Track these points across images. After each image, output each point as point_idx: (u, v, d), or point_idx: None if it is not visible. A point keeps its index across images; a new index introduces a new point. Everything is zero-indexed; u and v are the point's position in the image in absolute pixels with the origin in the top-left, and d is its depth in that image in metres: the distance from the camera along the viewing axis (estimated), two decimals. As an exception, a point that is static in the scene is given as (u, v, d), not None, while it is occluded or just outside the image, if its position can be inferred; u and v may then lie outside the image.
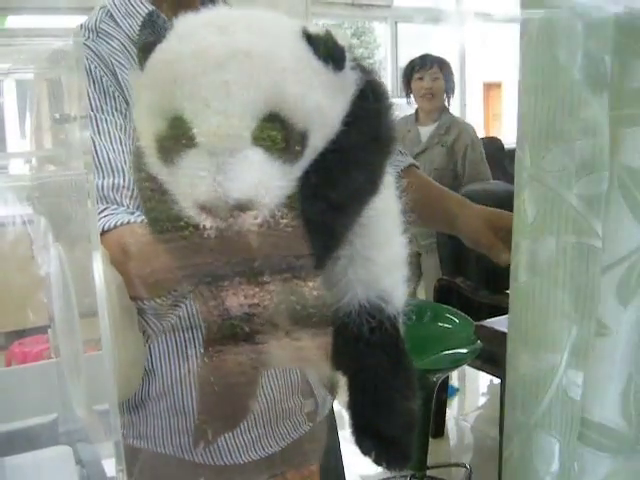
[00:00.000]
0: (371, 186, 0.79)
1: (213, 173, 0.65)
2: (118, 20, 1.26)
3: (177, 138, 0.67)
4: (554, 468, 1.04)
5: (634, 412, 0.99)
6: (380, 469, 0.93)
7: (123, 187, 1.12)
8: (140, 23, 1.24)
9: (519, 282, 1.05)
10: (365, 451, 0.88)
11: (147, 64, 0.71)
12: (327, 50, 0.72)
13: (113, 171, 1.12)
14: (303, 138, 0.70)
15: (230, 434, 1.28)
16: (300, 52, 0.70)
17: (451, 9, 7.07)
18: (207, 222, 0.67)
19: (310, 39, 0.72)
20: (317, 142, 0.71)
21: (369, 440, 0.89)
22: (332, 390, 1.08)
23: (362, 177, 0.77)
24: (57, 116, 0.68)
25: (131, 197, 1.13)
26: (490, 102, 9.37)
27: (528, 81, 1.00)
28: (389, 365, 0.89)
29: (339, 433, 1.63)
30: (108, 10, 1.28)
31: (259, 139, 0.67)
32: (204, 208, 0.66)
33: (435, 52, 4.28)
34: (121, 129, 1.18)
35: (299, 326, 0.86)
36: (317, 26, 0.73)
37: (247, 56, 0.66)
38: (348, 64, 0.74)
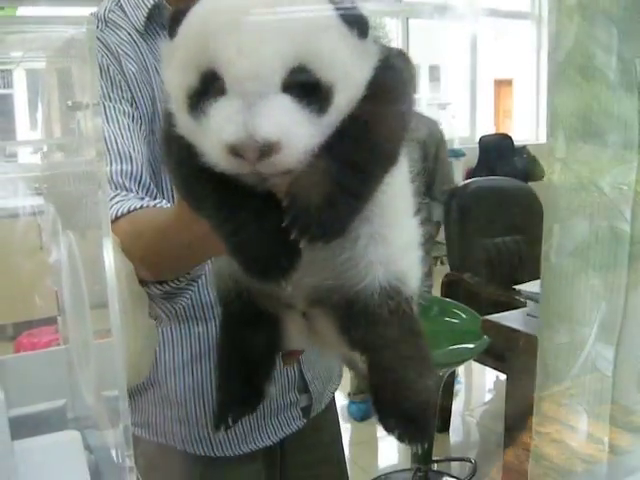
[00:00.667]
0: (391, 154, 0.80)
1: (242, 113, 0.66)
2: (127, 11, 1.27)
3: (208, 88, 0.69)
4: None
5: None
6: (383, 462, 0.94)
7: (132, 173, 1.13)
8: (146, 14, 1.25)
9: (552, 262, 1.09)
10: (389, 429, 0.90)
11: (180, 29, 0.73)
12: (353, 18, 0.74)
13: (122, 157, 1.13)
14: (329, 93, 0.71)
15: None
16: (328, 14, 0.72)
17: (462, 5, 7.05)
18: (237, 166, 0.68)
19: (337, 7, 0.74)
20: (342, 101, 0.72)
21: (391, 418, 0.91)
22: (356, 369, 1.09)
23: (384, 143, 0.78)
24: (69, 103, 0.69)
25: (139, 183, 1.14)
26: (501, 99, 9.35)
27: (564, 82, 1.05)
28: (407, 345, 0.91)
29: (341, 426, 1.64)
30: (118, 0, 1.29)
31: (288, 87, 0.68)
32: (233, 149, 0.67)
33: (445, 48, 4.28)
34: (129, 116, 1.19)
35: (322, 305, 0.87)
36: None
37: (281, 10, 0.69)
38: (371, 36, 0.76)
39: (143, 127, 1.21)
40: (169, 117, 0.78)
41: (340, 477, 1.59)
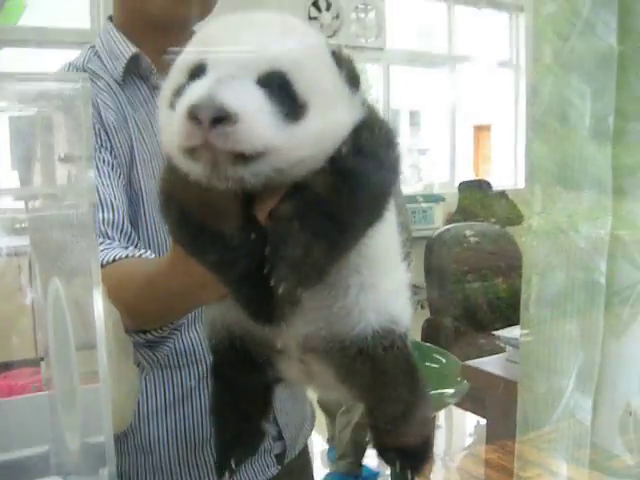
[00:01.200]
0: (375, 209, 0.82)
1: (211, 83, 0.68)
2: (105, 61, 1.29)
3: (192, 78, 0.71)
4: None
5: (634, 440, 1.07)
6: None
7: (114, 221, 1.14)
8: (124, 64, 1.28)
9: (530, 312, 1.12)
10: (389, 462, 0.94)
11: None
12: (345, 64, 0.78)
13: (103, 206, 1.14)
14: (302, 107, 0.72)
15: (197, 476, 1.30)
16: (323, 49, 0.77)
17: (443, 53, 7.18)
18: (192, 134, 0.68)
19: (333, 52, 0.78)
20: (314, 122, 0.73)
21: (392, 452, 0.92)
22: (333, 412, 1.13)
23: (368, 199, 0.79)
24: (61, 155, 0.70)
25: (121, 231, 1.15)
26: (480, 144, 9.45)
27: (540, 139, 1.09)
28: (403, 380, 0.93)
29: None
30: (96, 51, 1.31)
31: (263, 83, 0.70)
32: (191, 113, 0.67)
33: (426, 94, 4.34)
34: (108, 164, 1.20)
35: (316, 352, 0.89)
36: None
37: (279, 26, 0.74)
38: (360, 96, 0.79)
39: (122, 176, 1.22)
40: (166, 166, 0.81)
41: None
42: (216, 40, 0.73)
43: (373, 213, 0.82)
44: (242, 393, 1.01)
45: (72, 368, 0.78)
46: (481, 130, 9.39)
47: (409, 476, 0.93)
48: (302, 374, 0.98)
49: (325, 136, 0.75)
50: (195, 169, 0.72)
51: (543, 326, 1.07)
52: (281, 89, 0.71)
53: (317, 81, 0.74)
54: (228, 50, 0.71)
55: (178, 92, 0.73)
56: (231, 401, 1.02)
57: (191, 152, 0.71)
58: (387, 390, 0.93)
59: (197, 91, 0.69)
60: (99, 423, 0.73)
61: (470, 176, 7.84)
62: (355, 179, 0.77)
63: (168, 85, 0.78)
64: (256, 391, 1.03)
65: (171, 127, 0.72)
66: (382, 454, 0.96)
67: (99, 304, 0.67)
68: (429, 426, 0.97)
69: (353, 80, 0.78)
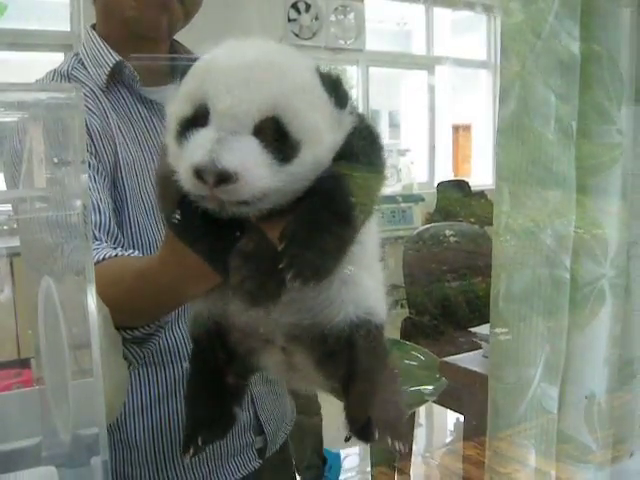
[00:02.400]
0: (369, 208, 0.91)
1: (212, 143, 0.75)
2: (88, 68, 1.32)
3: (198, 119, 0.79)
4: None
5: (599, 429, 1.12)
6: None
7: (100, 223, 1.18)
8: (108, 72, 1.31)
9: (499, 307, 1.17)
10: (369, 437, 0.99)
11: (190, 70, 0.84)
12: (334, 88, 0.84)
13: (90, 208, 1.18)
14: (295, 147, 0.80)
15: (181, 470, 1.33)
16: (312, 80, 0.83)
17: (422, 54, 7.23)
18: (199, 188, 0.77)
19: (322, 75, 0.84)
20: (307, 157, 0.81)
21: (369, 425, 0.99)
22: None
23: (364, 199, 0.88)
24: (55, 160, 0.74)
25: (108, 233, 1.19)
26: (459, 144, 9.49)
27: (508, 141, 1.15)
28: (378, 365, 1.00)
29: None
30: (80, 58, 1.34)
31: (259, 131, 0.77)
32: (197, 171, 0.75)
33: (405, 94, 4.37)
34: (93, 169, 1.23)
35: (299, 340, 0.95)
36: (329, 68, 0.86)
37: (270, 65, 0.79)
38: (348, 107, 0.86)
39: (106, 179, 1.26)
40: (163, 153, 0.87)
41: None
42: (216, 82, 0.78)
43: (367, 211, 0.91)
44: (217, 376, 1.05)
45: (64, 364, 0.81)
46: (460, 130, 9.44)
47: (389, 441, 0.97)
48: (283, 364, 1.03)
49: (318, 162, 0.83)
50: (204, 203, 0.81)
51: (511, 320, 1.12)
52: (275, 133, 0.79)
53: (308, 117, 0.81)
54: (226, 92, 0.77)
55: (184, 127, 0.81)
56: (206, 384, 1.06)
57: (200, 195, 0.80)
58: (362, 375, 0.98)
59: (200, 150, 0.76)
60: (90, 416, 0.76)
61: (449, 176, 7.90)
62: (350, 181, 0.85)
63: (173, 114, 0.84)
64: (233, 378, 1.07)
65: (179, 162, 0.81)
66: (361, 434, 1.01)
67: (93, 301, 0.70)
68: (403, 408, 1.04)
69: (342, 100, 0.85)
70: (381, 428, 0.98)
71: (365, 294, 0.96)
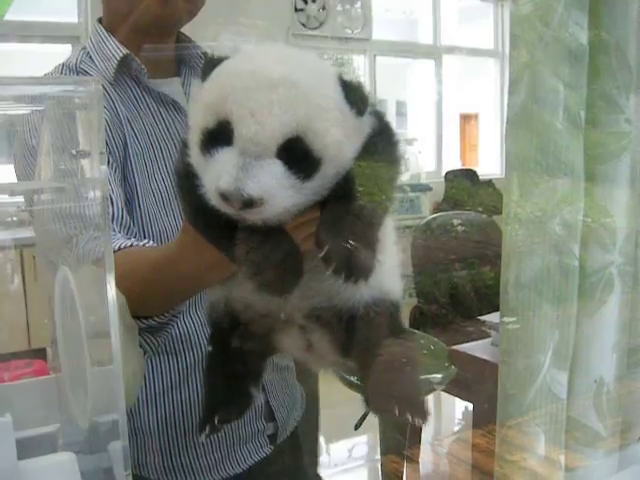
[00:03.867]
0: (390, 201, 0.95)
1: (237, 169, 0.78)
2: (96, 61, 1.34)
3: (221, 133, 0.80)
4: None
5: (608, 415, 1.13)
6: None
7: (113, 215, 1.19)
8: (115, 65, 1.32)
9: (509, 295, 1.19)
10: (389, 411, 0.99)
11: (211, 75, 0.85)
12: (355, 98, 0.85)
13: None
14: (317, 164, 0.82)
15: (194, 456, 1.35)
16: (334, 95, 0.84)
17: (429, 43, 7.21)
18: (225, 208, 0.81)
19: (344, 85, 0.85)
20: (328, 171, 0.84)
21: (389, 400, 0.99)
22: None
23: (386, 193, 0.92)
24: (74, 152, 0.76)
25: (121, 224, 1.20)
26: (467, 133, 9.47)
27: (517, 130, 1.16)
28: (394, 341, 1.03)
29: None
30: (88, 52, 1.36)
31: (281, 153, 0.79)
32: (223, 196, 0.78)
33: (413, 84, 4.35)
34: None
35: (317, 319, 0.98)
36: (351, 75, 0.87)
37: (293, 85, 0.80)
38: (367, 110, 0.88)
39: (117, 171, 1.28)
40: (184, 149, 0.89)
41: None
42: (239, 104, 0.80)
43: (389, 204, 0.95)
44: (236, 357, 1.07)
45: (82, 352, 0.83)
46: (468, 119, 9.42)
47: (410, 417, 0.99)
48: (302, 343, 1.05)
49: (339, 172, 0.86)
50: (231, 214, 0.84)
51: (521, 307, 1.14)
52: (298, 153, 0.81)
53: (330, 134, 0.83)
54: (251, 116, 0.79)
55: (207, 139, 0.83)
56: (224, 363, 1.08)
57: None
58: (379, 349, 1.01)
59: (226, 176, 0.79)
60: (108, 403, 0.78)
61: (457, 165, 7.88)
62: (377, 181, 0.90)
63: (197, 119, 0.86)
64: (251, 359, 1.09)
65: (204, 173, 0.84)
66: (380, 409, 1.03)
67: (112, 290, 0.72)
68: (420, 385, 1.06)
69: (363, 108, 0.87)
70: (400, 404, 1.00)
71: (381, 276, 0.99)
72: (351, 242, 0.84)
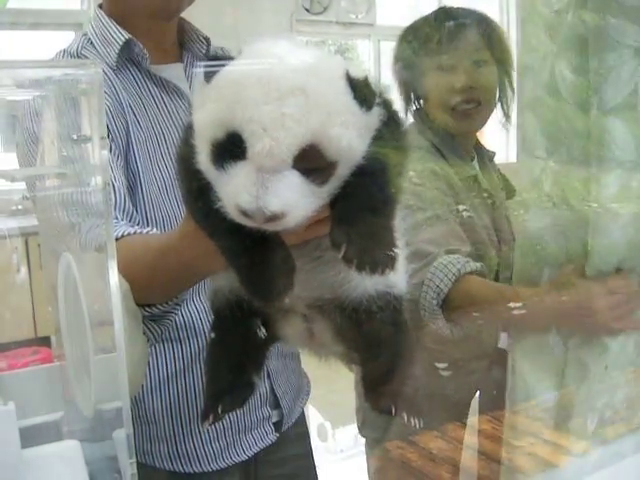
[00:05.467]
0: (399, 191, 0.92)
1: (257, 187, 0.76)
2: (97, 47, 1.33)
3: (232, 150, 0.78)
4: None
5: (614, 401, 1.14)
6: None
7: (116, 202, 1.19)
8: (117, 50, 1.31)
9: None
10: (385, 410, 1.00)
11: (215, 78, 0.82)
12: (364, 95, 0.83)
13: None
14: (333, 168, 0.81)
15: (199, 443, 1.35)
16: (343, 96, 0.82)
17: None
18: (245, 222, 0.79)
19: (352, 83, 0.83)
20: (341, 172, 0.82)
21: (386, 398, 1.01)
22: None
23: (397, 182, 0.90)
24: (75, 137, 0.75)
25: (124, 211, 1.19)
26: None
27: (534, 100, 1.15)
28: (396, 336, 1.01)
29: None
30: (89, 38, 1.34)
31: (297, 163, 0.78)
32: (244, 213, 0.77)
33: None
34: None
35: (320, 309, 0.98)
36: (357, 68, 0.85)
37: (303, 93, 0.78)
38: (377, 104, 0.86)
39: (120, 158, 1.26)
40: (188, 140, 0.87)
41: None
42: (249, 118, 0.77)
43: (400, 193, 0.92)
44: (238, 345, 1.06)
45: (85, 339, 0.82)
46: (472, 104, 9.34)
47: (405, 417, 0.99)
48: (304, 332, 1.04)
49: (351, 169, 0.84)
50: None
51: (535, 295, 1.13)
52: (313, 160, 0.79)
53: (343, 137, 0.81)
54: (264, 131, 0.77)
55: (217, 150, 0.81)
56: (226, 351, 1.07)
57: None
58: (381, 346, 1.01)
59: (245, 195, 0.77)
60: (112, 391, 0.77)
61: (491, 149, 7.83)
62: (388, 173, 0.88)
63: (205, 129, 0.83)
64: (253, 346, 1.08)
65: (218, 185, 0.82)
66: (377, 404, 1.02)
67: (115, 277, 0.71)
68: (418, 381, 1.06)
69: (371, 103, 0.84)
70: (398, 403, 0.99)
71: None
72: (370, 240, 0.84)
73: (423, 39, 1.69)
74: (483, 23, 1.71)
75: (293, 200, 0.79)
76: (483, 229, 1.72)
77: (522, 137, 1.13)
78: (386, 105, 0.88)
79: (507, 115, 1.82)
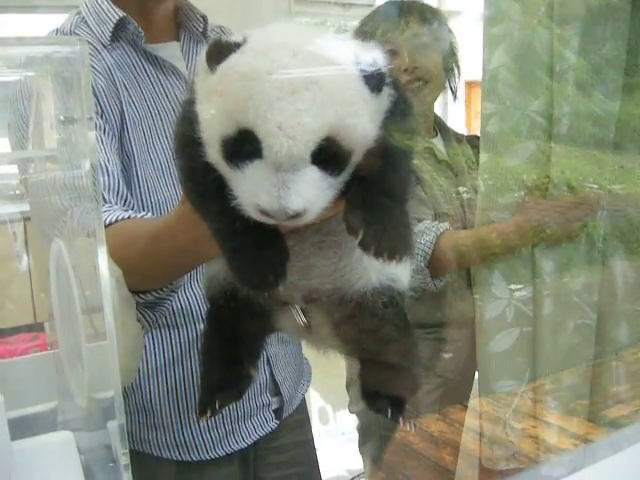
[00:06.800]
0: (412, 178, 0.91)
1: (277, 187, 0.74)
2: (91, 26, 1.30)
3: (246, 148, 0.75)
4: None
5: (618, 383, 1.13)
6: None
7: (110, 185, 1.16)
8: (111, 29, 1.28)
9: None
10: (381, 411, 0.98)
11: (220, 68, 0.78)
12: (374, 79, 0.80)
13: (99, 170, 1.15)
14: (348, 157, 0.78)
15: (198, 431, 1.33)
16: (355, 83, 0.79)
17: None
18: (265, 220, 0.77)
19: (363, 68, 0.80)
20: (357, 158, 0.80)
21: (382, 400, 0.99)
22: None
23: (410, 169, 0.89)
24: (62, 118, 0.72)
25: (117, 194, 1.17)
26: (472, 100, 9.40)
27: (533, 80, 1.14)
28: (397, 334, 0.98)
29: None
30: (82, 16, 1.31)
31: (315, 158, 0.75)
32: (265, 213, 0.75)
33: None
34: (100, 129, 1.21)
35: (318, 302, 0.95)
36: (365, 49, 0.82)
37: (317, 87, 0.74)
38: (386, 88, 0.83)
39: (114, 140, 1.24)
40: (186, 117, 0.84)
41: (312, 477, 1.63)
42: (263, 116, 0.74)
43: (411, 182, 0.91)
44: (233, 337, 1.04)
45: (77, 327, 0.80)
46: (473, 86, 9.35)
47: (401, 421, 0.97)
48: (301, 325, 1.01)
49: (364, 151, 0.81)
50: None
51: (541, 278, 1.11)
52: (331, 152, 0.76)
53: (358, 126, 0.78)
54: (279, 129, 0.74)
55: (229, 147, 0.77)
56: (221, 344, 1.05)
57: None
58: (381, 344, 0.98)
59: (264, 191, 0.75)
60: (106, 379, 0.75)
61: (462, 132, 7.83)
62: (401, 160, 0.87)
63: (211, 125, 0.80)
64: (249, 338, 1.06)
65: (232, 181, 0.79)
66: (373, 404, 1.00)
67: (105, 263, 0.69)
68: (418, 381, 1.03)
69: (381, 85, 0.81)
70: (394, 405, 0.97)
71: None
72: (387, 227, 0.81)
73: (373, 30, 1.94)
74: (425, 12, 2.03)
75: (313, 196, 0.76)
76: (442, 194, 1.83)
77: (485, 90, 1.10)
78: (395, 85, 0.85)
79: (454, 92, 2.15)
